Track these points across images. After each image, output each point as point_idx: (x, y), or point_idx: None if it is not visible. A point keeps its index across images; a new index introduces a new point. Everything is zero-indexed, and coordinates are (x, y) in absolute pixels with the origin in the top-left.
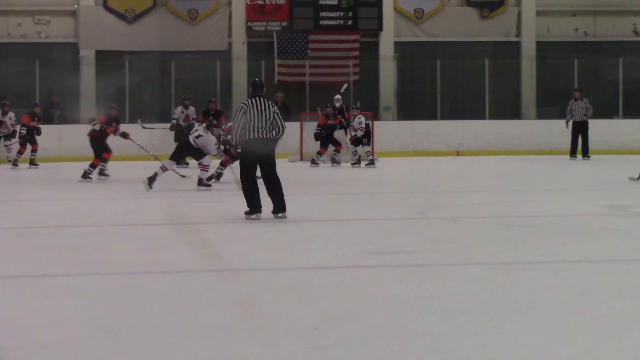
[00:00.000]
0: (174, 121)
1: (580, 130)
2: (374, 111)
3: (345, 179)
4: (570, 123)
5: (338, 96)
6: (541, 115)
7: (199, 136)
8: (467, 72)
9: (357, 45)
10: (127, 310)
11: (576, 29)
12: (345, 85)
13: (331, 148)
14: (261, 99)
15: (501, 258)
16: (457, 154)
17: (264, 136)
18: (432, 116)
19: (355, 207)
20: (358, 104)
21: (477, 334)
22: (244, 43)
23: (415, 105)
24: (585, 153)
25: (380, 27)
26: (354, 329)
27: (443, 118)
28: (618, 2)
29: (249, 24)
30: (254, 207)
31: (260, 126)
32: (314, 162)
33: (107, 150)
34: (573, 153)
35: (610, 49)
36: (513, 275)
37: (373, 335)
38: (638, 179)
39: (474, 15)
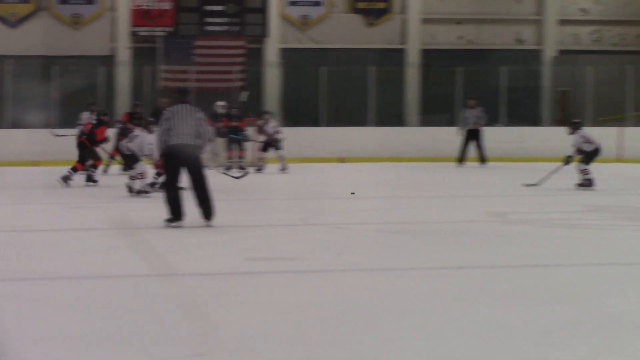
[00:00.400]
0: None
1: (473, 138)
2: (258, 117)
3: (231, 186)
4: (463, 131)
5: (222, 102)
6: (425, 122)
7: (133, 139)
8: (352, 79)
9: (242, 51)
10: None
11: (461, 37)
12: (247, 93)
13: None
14: (186, 105)
15: (383, 264)
16: (342, 160)
17: (188, 142)
18: (316, 123)
19: (240, 213)
20: (269, 109)
21: (357, 341)
22: (128, 48)
23: (300, 111)
24: (482, 160)
25: (265, 34)
26: (233, 336)
27: (328, 125)
28: (502, 11)
29: (134, 29)
30: (175, 214)
31: (183, 132)
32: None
33: (97, 157)
34: (461, 160)
35: (494, 57)
36: (393, 282)
37: (252, 342)
38: (534, 184)
39: (359, 22)
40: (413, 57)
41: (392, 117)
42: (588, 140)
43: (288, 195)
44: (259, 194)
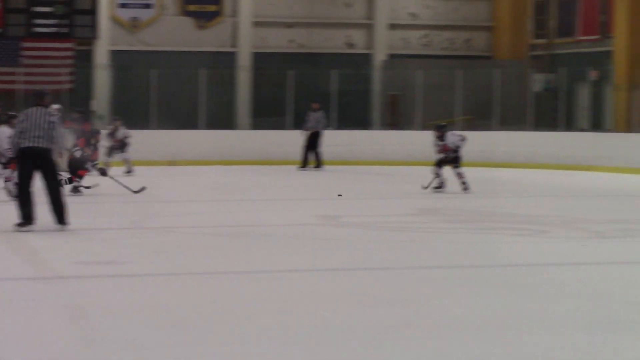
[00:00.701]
0: None
1: (313, 140)
2: (88, 120)
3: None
4: (306, 133)
5: (57, 106)
6: (256, 125)
7: None
8: (183, 82)
9: (71, 53)
10: None
11: (292, 41)
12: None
13: None
14: (40, 108)
15: (214, 268)
16: (172, 163)
17: (40, 145)
18: (146, 125)
19: (75, 216)
20: (116, 117)
21: (180, 343)
22: None
23: (130, 113)
24: (318, 164)
25: (95, 36)
26: (60, 342)
27: (158, 127)
28: (333, 15)
29: None
30: (26, 218)
31: (36, 135)
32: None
33: (83, 168)
34: (304, 164)
35: (325, 60)
36: (222, 285)
37: (79, 347)
38: (427, 187)
39: (190, 25)
40: (244, 60)
41: (223, 120)
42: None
43: (122, 198)
44: (94, 197)
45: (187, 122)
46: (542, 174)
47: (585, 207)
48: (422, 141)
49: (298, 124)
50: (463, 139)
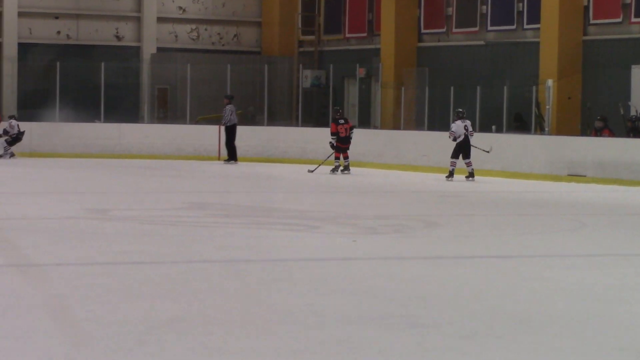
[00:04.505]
0: None
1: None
2: None
3: None
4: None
5: None
6: (21, 117)
7: None
8: None
9: None
10: None
11: (59, 32)
12: None
13: None
14: None
15: None
16: None
17: None
18: None
19: None
20: None
21: None
22: None
23: None
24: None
25: None
26: None
27: None
28: (100, 7)
29: None
30: None
31: None
32: None
33: None
34: (231, 156)
35: (94, 53)
36: None
37: None
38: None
39: None
40: (10, 51)
41: None
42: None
43: None
44: None
45: None
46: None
47: (356, 203)
48: (192, 135)
49: (64, 117)
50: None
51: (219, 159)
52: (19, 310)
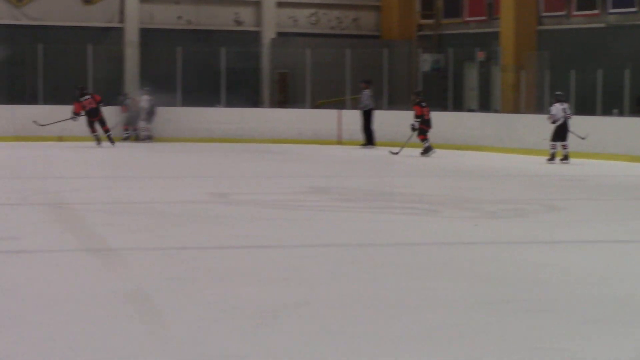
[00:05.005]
0: None
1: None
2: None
3: None
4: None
5: None
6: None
7: None
8: (70, 57)
9: None
10: None
11: (179, 17)
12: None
13: None
14: None
15: (103, 245)
16: (60, 139)
17: None
18: (34, 101)
19: None
20: None
21: (79, 322)
22: None
23: (17, 89)
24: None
25: None
26: None
27: (46, 103)
28: None
29: None
30: None
31: None
32: None
33: None
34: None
35: (214, 38)
36: (114, 262)
37: None
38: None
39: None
40: (132, 36)
41: (112, 96)
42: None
43: (6, 173)
44: None
45: (75, 98)
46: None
47: (476, 187)
48: (312, 120)
49: (187, 102)
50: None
51: (338, 142)
52: (149, 290)
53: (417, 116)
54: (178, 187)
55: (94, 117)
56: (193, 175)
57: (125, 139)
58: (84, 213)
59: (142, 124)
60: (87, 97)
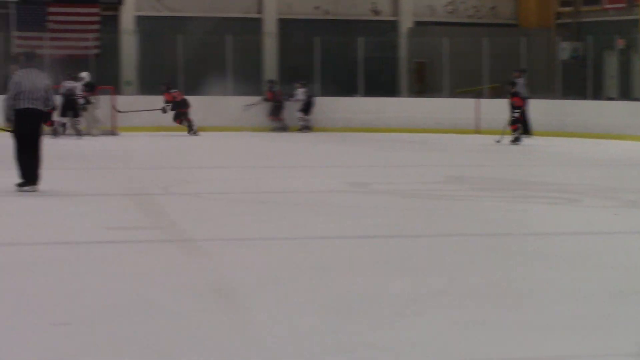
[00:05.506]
0: None
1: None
2: (114, 85)
3: (91, 154)
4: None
5: (85, 73)
6: (284, 92)
7: None
8: (209, 48)
9: (97, 18)
10: None
11: (317, 7)
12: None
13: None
14: (33, 69)
15: (244, 234)
16: (200, 129)
17: (37, 107)
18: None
19: (99, 182)
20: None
21: (221, 310)
22: None
23: (157, 80)
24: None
25: (120, 1)
26: (95, 305)
27: (185, 93)
28: None
29: None
30: (27, 178)
31: (33, 97)
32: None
33: None
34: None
35: (351, 28)
36: (255, 252)
37: (113, 310)
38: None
39: None
40: (270, 27)
41: (250, 86)
42: None
43: (148, 164)
44: (120, 163)
45: (215, 88)
46: (571, 143)
47: (616, 176)
48: (450, 109)
49: (325, 92)
50: None
51: (476, 132)
52: (289, 280)
53: (518, 107)
54: (317, 177)
55: (183, 108)
56: (334, 164)
57: (279, 129)
58: (222, 203)
59: (298, 114)
60: (174, 90)
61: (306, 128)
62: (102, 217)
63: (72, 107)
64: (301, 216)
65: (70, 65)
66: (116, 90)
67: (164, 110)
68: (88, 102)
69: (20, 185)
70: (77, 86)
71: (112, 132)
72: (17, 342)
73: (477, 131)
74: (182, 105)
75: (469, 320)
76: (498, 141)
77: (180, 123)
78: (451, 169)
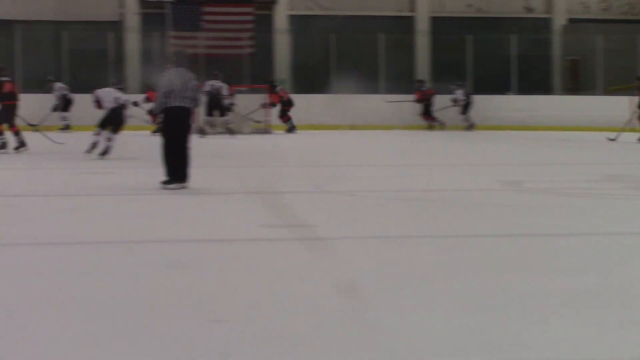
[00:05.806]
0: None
1: None
2: (268, 84)
3: (241, 152)
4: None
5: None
6: (435, 90)
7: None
8: (361, 47)
9: (251, 17)
10: (19, 284)
11: (469, 5)
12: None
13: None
14: (184, 69)
15: (397, 232)
16: (352, 128)
17: (186, 105)
18: (327, 90)
19: (253, 180)
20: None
21: (368, 308)
22: (136, 14)
23: (310, 78)
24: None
25: (274, 0)
26: (250, 302)
27: (338, 92)
28: None
29: None
30: (173, 176)
31: (183, 96)
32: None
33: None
34: None
35: (504, 25)
36: (412, 250)
37: (268, 307)
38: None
39: None
40: (422, 25)
41: (403, 84)
42: None
43: (299, 162)
44: (270, 161)
45: (367, 86)
46: None
47: None
48: (604, 106)
49: (478, 89)
50: None
51: (632, 130)
52: (422, 276)
53: None
54: (470, 175)
55: (288, 106)
56: (485, 163)
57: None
58: (375, 201)
59: (461, 117)
60: (280, 87)
61: (470, 127)
62: (253, 215)
63: (218, 107)
64: (456, 215)
65: (222, 65)
66: (270, 89)
67: (272, 106)
68: (232, 102)
69: (165, 183)
70: (223, 86)
71: (266, 131)
72: (175, 338)
73: (633, 129)
74: (288, 104)
75: (624, 320)
76: (613, 139)
77: (285, 121)
78: (607, 167)
